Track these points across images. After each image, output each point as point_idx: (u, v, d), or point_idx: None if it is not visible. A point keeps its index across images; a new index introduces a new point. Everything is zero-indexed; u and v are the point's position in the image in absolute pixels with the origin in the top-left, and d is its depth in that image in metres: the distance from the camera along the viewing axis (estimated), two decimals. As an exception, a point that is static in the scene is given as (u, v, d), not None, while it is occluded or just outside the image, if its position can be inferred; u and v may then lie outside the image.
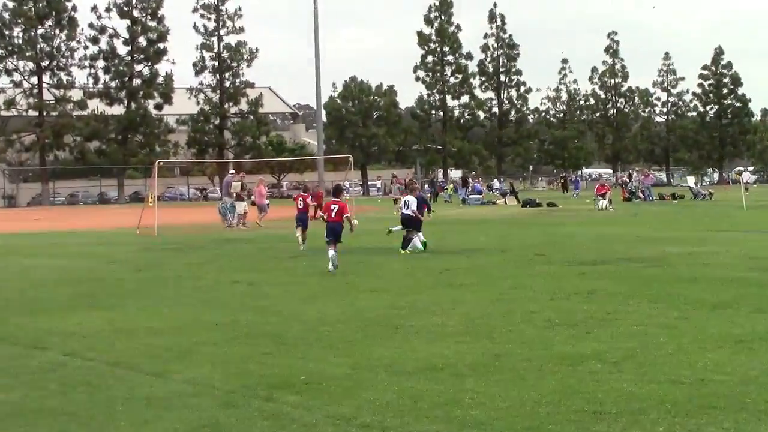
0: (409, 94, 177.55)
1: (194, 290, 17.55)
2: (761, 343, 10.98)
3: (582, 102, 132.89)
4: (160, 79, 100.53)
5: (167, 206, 66.79)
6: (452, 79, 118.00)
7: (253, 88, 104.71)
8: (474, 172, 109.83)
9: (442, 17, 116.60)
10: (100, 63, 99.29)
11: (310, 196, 29.83)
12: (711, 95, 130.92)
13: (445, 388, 9.08)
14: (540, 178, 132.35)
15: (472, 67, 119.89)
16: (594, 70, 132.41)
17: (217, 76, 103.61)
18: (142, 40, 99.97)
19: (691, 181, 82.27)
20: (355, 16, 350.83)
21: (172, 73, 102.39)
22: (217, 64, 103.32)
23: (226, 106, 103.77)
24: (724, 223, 36.25)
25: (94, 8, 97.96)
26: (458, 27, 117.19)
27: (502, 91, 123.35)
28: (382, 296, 15.96)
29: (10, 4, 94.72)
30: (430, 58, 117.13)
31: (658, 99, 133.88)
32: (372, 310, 14.23)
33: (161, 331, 12.76)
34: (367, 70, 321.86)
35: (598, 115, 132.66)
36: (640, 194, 67.31)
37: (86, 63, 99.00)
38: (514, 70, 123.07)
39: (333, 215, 21.09)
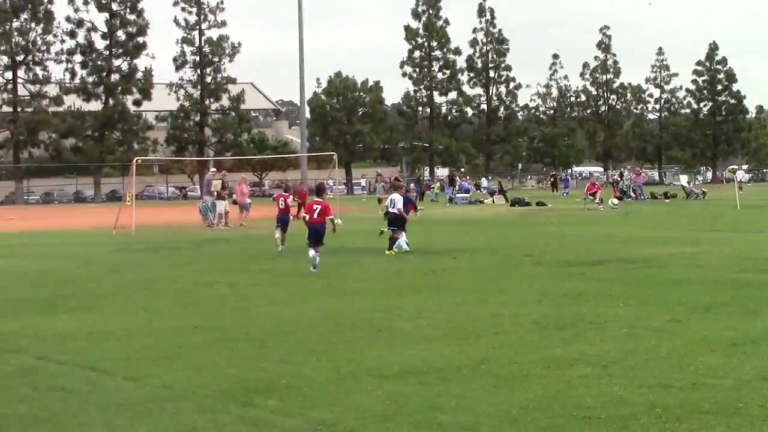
0: (395, 90, 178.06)
1: (172, 292, 17.50)
2: (755, 346, 11.00)
3: (573, 98, 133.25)
4: (139, 74, 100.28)
5: (145, 205, 66.64)
6: (440, 75, 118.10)
7: (234, 84, 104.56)
8: (462, 170, 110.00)
9: (430, 11, 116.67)
10: (77, 57, 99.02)
11: (292, 196, 29.76)
12: (705, 92, 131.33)
13: (430, 392, 9.06)
14: (529, 177, 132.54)
15: (461, 62, 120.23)
16: (585, 65, 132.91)
17: (198, 71, 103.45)
18: (120, 34, 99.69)
19: (683, 179, 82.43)
20: (341, 10, 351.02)
21: (152, 68, 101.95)
22: (198, 58, 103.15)
23: (206, 102, 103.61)
24: (717, 223, 36.35)
25: (72, 1, 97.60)
26: (446, 21, 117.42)
27: (491, 88, 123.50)
28: (365, 298, 15.94)
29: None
30: (417, 53, 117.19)
31: (651, 95, 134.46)
32: (355, 313, 14.21)
33: (138, 334, 12.71)
34: (353, 65, 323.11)
35: (589, 112, 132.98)
36: (632, 193, 67.45)
37: (63, 57, 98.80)
38: (503, 65, 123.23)
39: (315, 216, 21.07)
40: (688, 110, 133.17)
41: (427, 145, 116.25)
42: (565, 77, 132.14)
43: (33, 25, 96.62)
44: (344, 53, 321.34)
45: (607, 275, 18.62)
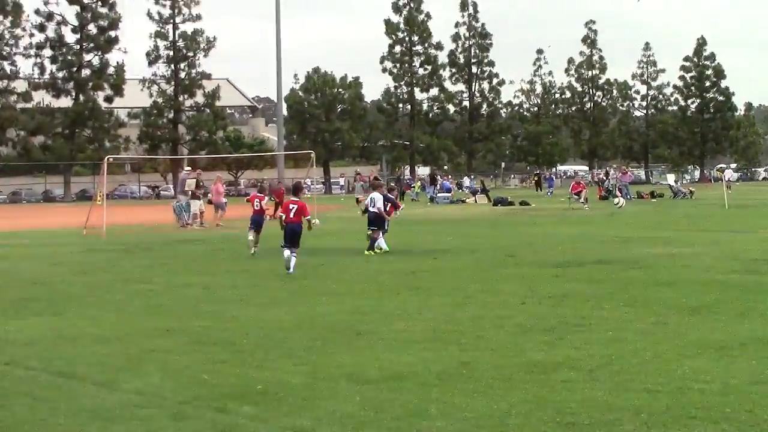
0: (375, 86, 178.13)
1: (144, 294, 17.44)
2: (743, 350, 11.03)
3: (557, 95, 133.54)
4: (111, 70, 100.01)
5: (117, 205, 66.45)
6: (421, 71, 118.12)
7: (209, 80, 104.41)
8: (444, 169, 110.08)
9: (411, 5, 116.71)
10: (47, 52, 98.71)
11: (268, 196, 29.66)
12: (693, 88, 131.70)
13: (410, 398, 9.06)
14: (512, 176, 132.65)
15: (442, 57, 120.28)
16: (570, 61, 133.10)
17: (172, 66, 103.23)
18: (92, 28, 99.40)
19: (670, 178, 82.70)
20: (320, 3, 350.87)
21: (124, 63, 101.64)
22: (171, 53, 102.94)
23: (180, 98, 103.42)
24: (705, 223, 36.48)
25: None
26: (428, 15, 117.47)
27: (474, 84, 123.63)
28: (343, 300, 15.93)
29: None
30: (397, 48, 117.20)
31: (638, 92, 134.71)
32: (333, 316, 14.21)
33: (108, 339, 12.66)
34: (331, 60, 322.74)
35: (574, 109, 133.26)
36: (618, 193, 67.62)
37: (32, 52, 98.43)
38: (486, 61, 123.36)
39: (292, 215, 21.05)
40: (675, 107, 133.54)
41: (407, 143, 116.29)
42: (550, 73, 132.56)
43: (1, 18, 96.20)
44: (323, 48, 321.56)
45: (592, 276, 18.66)
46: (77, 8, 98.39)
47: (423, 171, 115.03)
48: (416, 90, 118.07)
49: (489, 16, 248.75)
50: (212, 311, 14.98)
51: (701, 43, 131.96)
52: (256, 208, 25.98)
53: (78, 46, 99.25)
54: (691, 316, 13.55)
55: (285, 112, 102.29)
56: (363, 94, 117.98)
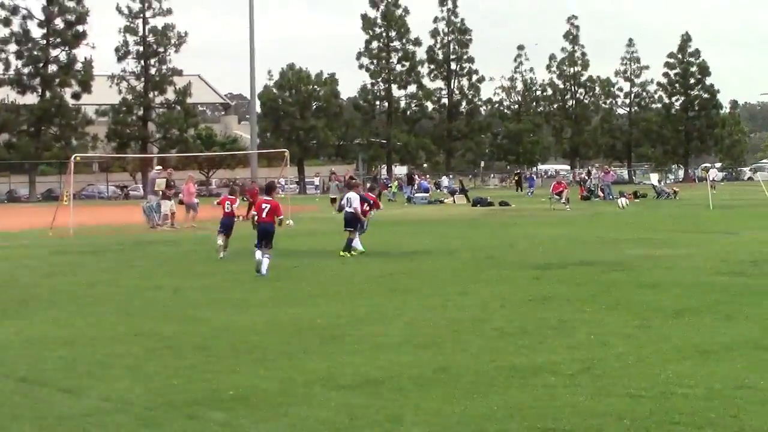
0: (351, 83, 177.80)
1: (112, 297, 17.39)
2: (728, 354, 11.09)
3: (539, 92, 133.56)
4: (79, 66, 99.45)
5: (84, 205, 66.14)
6: (399, 67, 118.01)
7: (180, 76, 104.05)
8: (422, 168, 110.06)
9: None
10: (12, 47, 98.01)
11: (241, 196, 29.46)
12: (677, 85, 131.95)
13: (386, 403, 9.06)
14: (492, 175, 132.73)
15: (421, 53, 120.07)
16: (552, 57, 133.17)
17: (142, 62, 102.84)
18: (59, 22, 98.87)
19: (654, 178, 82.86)
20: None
21: (92, 58, 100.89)
22: (141, 49, 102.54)
23: (150, 95, 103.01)
24: (689, 224, 36.64)
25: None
26: (406, 10, 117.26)
27: (453, 80, 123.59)
28: (317, 303, 15.93)
29: None
30: (374, 44, 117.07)
31: (621, 89, 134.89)
32: (307, 319, 14.20)
33: (75, 343, 12.62)
34: (306, 56, 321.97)
35: (555, 106, 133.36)
36: (600, 193, 67.82)
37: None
38: (465, 57, 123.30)
39: (264, 215, 21.03)
40: (659, 105, 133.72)
41: (384, 141, 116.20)
42: (531, 70, 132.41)
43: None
44: (298, 44, 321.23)
45: (573, 279, 18.71)
46: (43, 2, 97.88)
47: (400, 170, 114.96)
48: (394, 87, 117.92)
49: (468, 11, 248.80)
50: (182, 315, 14.95)
51: (686, 39, 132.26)
52: (226, 210, 25.61)
53: (44, 41, 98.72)
54: (674, 319, 13.61)
55: (258, 109, 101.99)
56: (339, 91, 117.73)
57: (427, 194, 72.30)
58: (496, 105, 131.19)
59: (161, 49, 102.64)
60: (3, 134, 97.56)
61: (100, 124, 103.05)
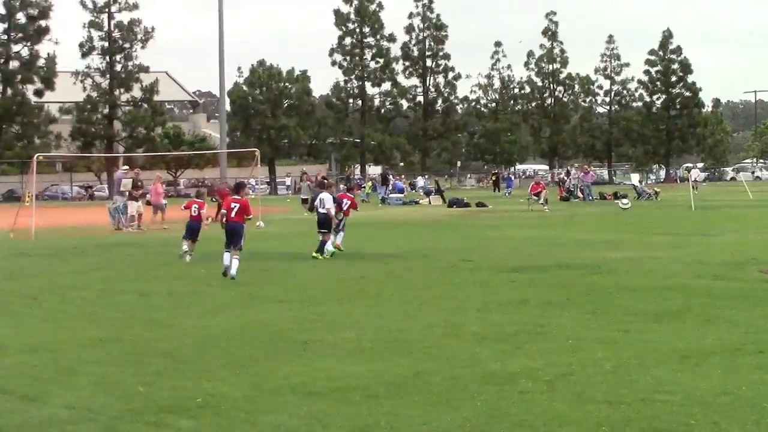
0: (324, 80, 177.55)
1: (76, 302, 17.34)
2: (707, 359, 11.15)
3: (516, 90, 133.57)
4: (42, 62, 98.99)
5: (47, 206, 65.95)
6: (372, 64, 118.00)
7: (147, 73, 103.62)
8: (401, 165, 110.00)
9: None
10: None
11: (211, 198, 29.28)
12: (658, 83, 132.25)
13: (359, 410, 9.07)
14: (468, 176, 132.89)
15: (395, 50, 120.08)
16: (530, 54, 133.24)
17: (107, 58, 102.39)
18: (20, 17, 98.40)
19: (635, 178, 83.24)
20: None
21: (55, 54, 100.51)
22: (107, 44, 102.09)
23: (116, 92, 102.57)
24: (669, 226, 36.78)
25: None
26: (380, 5, 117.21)
27: (428, 78, 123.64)
28: (288, 307, 15.93)
29: None
30: (348, 40, 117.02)
31: (601, 87, 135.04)
32: (277, 324, 14.19)
33: (37, 349, 12.57)
34: (278, 53, 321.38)
35: (534, 105, 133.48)
36: (579, 193, 68.02)
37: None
38: (441, 54, 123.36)
39: (233, 215, 21.00)
40: (640, 103, 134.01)
41: (358, 140, 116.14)
42: (508, 67, 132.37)
43: None
44: (268, 40, 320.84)
45: (551, 282, 18.77)
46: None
47: (374, 170, 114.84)
48: (367, 84, 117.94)
49: (444, 6, 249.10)
50: (148, 319, 14.92)
51: (667, 36, 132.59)
52: (193, 214, 25.24)
53: (5, 37, 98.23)
54: (654, 323, 13.68)
55: (228, 107, 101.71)
56: (311, 88, 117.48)
57: (402, 195, 72.34)
58: (473, 103, 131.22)
59: (127, 45, 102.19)
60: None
61: (63, 123, 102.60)
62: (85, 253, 28.21)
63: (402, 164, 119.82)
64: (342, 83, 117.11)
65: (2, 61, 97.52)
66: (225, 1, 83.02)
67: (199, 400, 9.53)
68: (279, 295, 17.57)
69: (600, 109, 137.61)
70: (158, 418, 8.91)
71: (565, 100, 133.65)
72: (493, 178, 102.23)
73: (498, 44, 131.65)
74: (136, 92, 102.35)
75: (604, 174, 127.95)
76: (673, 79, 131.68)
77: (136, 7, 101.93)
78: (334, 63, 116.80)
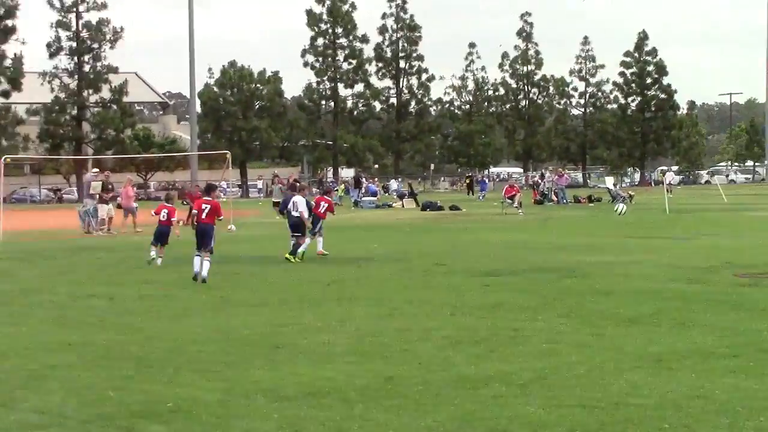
0: (296, 81, 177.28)
1: (45, 306, 17.30)
2: (682, 362, 11.24)
3: (490, 92, 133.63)
4: (8, 62, 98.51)
5: (15, 209, 65.61)
6: (345, 65, 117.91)
7: (116, 74, 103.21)
8: (375, 167, 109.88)
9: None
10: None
11: (177, 205, 28.99)
12: (633, 85, 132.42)
13: (332, 414, 9.11)
14: (442, 178, 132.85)
15: (368, 51, 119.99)
16: (505, 55, 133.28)
17: (75, 59, 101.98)
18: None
19: (609, 182, 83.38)
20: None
21: (22, 55, 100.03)
22: (75, 45, 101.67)
23: (85, 93, 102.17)
24: (644, 229, 36.91)
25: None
26: (353, 6, 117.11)
27: (402, 79, 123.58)
28: (261, 312, 15.94)
29: None
30: (320, 41, 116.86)
31: (575, 89, 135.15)
32: (249, 328, 14.20)
33: (5, 354, 12.55)
34: (249, 54, 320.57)
35: (508, 107, 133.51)
36: (553, 196, 68.15)
37: None
38: (415, 55, 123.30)
39: (204, 216, 20.98)
40: (615, 106, 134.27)
41: (330, 142, 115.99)
42: (483, 68, 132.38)
43: None
44: (240, 40, 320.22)
45: (525, 286, 18.84)
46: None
47: (347, 173, 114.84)
48: (340, 86, 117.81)
49: (418, 7, 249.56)
50: (119, 324, 14.90)
51: (642, 37, 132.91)
52: (162, 219, 25.03)
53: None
54: (628, 327, 13.76)
55: (198, 108, 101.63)
56: (283, 90, 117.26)
57: (375, 198, 72.40)
58: (447, 105, 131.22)
59: (96, 45, 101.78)
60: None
61: (31, 124, 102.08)
62: (54, 256, 28.12)
63: (376, 167, 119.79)
64: (314, 85, 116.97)
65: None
66: (195, 0, 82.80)
67: (171, 405, 9.55)
68: (251, 299, 17.58)
69: (575, 112, 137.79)
70: (129, 423, 8.92)
71: (540, 102, 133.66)
72: (467, 181, 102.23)
73: (472, 45, 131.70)
74: (105, 93, 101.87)
75: (579, 177, 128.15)
76: (649, 81, 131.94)
77: (104, 6, 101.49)
78: (306, 64, 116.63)
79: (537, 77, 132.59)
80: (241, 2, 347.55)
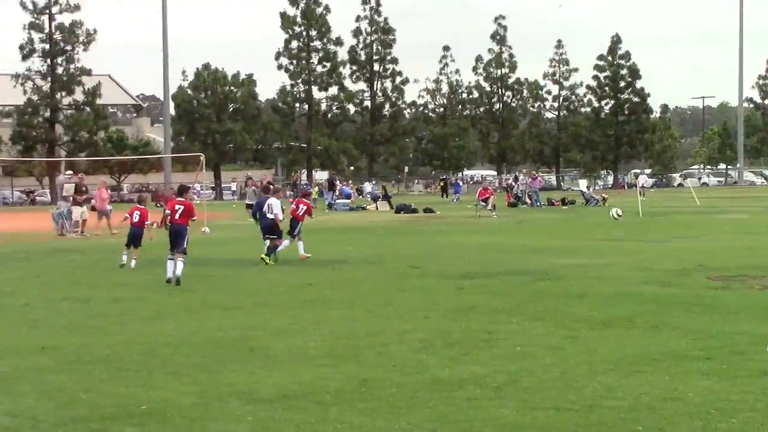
0: (270, 84, 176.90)
1: (17, 309, 17.23)
2: (655, 365, 11.28)
3: (465, 95, 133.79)
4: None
5: (-12, 211, 65.36)
6: (319, 68, 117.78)
7: (90, 76, 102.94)
8: (351, 169, 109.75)
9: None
10: None
11: (149, 207, 28.86)
12: (606, 89, 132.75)
13: (306, 417, 9.11)
14: (416, 181, 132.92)
15: (342, 54, 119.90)
16: (479, 59, 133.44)
17: (48, 61, 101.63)
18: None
19: (583, 185, 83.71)
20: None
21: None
22: (48, 47, 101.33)
23: (58, 96, 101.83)
24: (617, 232, 36.97)
25: None
26: (327, 8, 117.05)
27: (376, 82, 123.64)
28: (235, 314, 15.92)
29: None
30: (294, 44, 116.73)
31: (549, 92, 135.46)
32: (223, 330, 14.19)
33: (-22, 356, 12.51)
34: (223, 56, 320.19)
35: (482, 110, 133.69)
36: (527, 199, 68.24)
37: None
38: (389, 58, 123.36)
39: (177, 216, 20.93)
40: (588, 109, 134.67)
41: (304, 145, 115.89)
42: (457, 71, 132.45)
43: None
44: (214, 43, 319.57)
45: (499, 289, 18.87)
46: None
47: (321, 175, 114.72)
48: (314, 89, 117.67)
49: (392, 10, 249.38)
50: (92, 327, 14.86)
51: (616, 41, 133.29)
52: (134, 220, 24.92)
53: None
54: (602, 330, 13.80)
55: (172, 111, 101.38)
56: (257, 92, 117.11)
57: (349, 200, 72.28)
58: (421, 108, 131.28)
59: (69, 47, 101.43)
60: None
61: (3, 126, 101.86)
62: (27, 258, 28.01)
63: (350, 169, 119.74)
64: (288, 87, 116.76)
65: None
66: (169, 2, 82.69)
67: (144, 407, 9.53)
68: (224, 302, 17.56)
69: (548, 115, 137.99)
70: (102, 426, 8.89)
71: (514, 105, 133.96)
72: (441, 183, 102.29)
73: (446, 48, 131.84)
74: (78, 95, 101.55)
75: (553, 180, 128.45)
76: (622, 84, 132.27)
77: (77, 8, 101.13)
78: (280, 67, 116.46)
79: (511, 80, 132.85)
80: (215, 4, 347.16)
